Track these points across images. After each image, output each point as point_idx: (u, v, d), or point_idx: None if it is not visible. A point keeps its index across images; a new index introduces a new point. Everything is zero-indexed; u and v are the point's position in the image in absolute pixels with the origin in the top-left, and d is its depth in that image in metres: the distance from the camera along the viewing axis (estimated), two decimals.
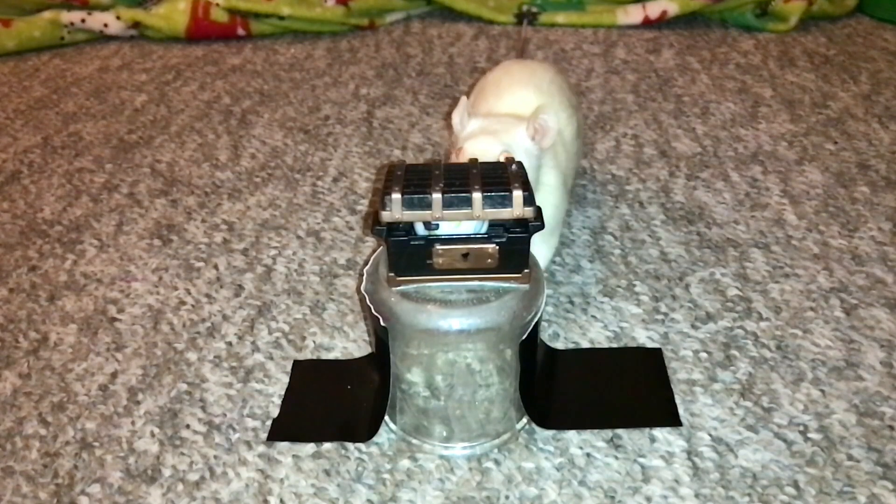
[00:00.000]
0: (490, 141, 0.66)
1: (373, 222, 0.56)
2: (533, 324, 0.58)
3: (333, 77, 1.29)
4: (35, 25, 1.45)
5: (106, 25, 1.47)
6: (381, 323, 0.57)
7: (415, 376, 0.59)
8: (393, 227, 0.56)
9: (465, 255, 0.56)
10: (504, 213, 0.55)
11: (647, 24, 1.44)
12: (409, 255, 0.56)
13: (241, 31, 1.46)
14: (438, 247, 0.56)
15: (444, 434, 0.61)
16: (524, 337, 0.58)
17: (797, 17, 1.39)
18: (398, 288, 0.57)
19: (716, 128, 1.08)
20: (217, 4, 1.44)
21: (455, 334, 0.56)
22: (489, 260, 0.56)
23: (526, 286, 0.57)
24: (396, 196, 0.54)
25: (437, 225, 0.56)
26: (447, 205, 0.55)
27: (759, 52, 1.33)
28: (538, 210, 0.56)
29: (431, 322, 0.56)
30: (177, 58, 1.41)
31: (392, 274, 0.57)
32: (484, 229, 0.57)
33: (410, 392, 0.60)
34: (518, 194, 0.54)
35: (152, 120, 1.17)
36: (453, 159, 0.68)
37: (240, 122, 1.15)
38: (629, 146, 1.04)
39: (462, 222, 0.56)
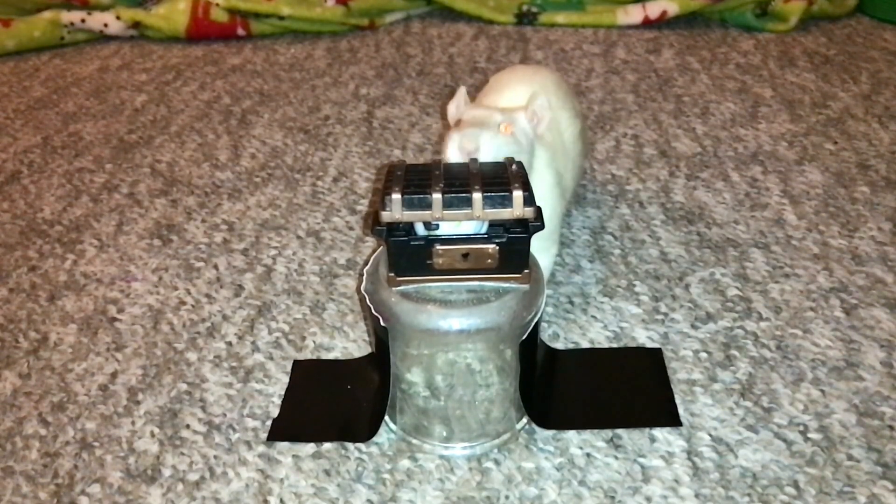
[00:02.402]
0: (489, 111, 0.66)
1: (373, 222, 0.56)
2: (533, 324, 0.58)
3: (333, 77, 1.29)
4: (35, 25, 1.45)
5: (106, 25, 1.47)
6: (381, 323, 0.57)
7: (415, 376, 0.59)
8: (393, 227, 0.56)
9: (465, 256, 0.56)
10: (504, 214, 0.55)
11: (647, 24, 1.44)
12: (409, 255, 0.56)
13: (241, 31, 1.46)
14: (438, 247, 0.56)
15: (444, 434, 0.61)
16: (524, 337, 0.58)
17: (797, 17, 1.39)
18: (398, 288, 0.57)
19: (716, 128, 1.08)
20: (217, 4, 1.44)
21: (455, 334, 0.56)
22: (489, 260, 0.56)
23: (526, 286, 0.57)
24: (396, 196, 0.54)
25: (438, 225, 0.56)
26: (447, 205, 0.55)
27: (759, 52, 1.33)
28: (538, 210, 0.56)
29: (431, 322, 0.56)
30: (177, 58, 1.41)
31: (392, 274, 0.57)
32: (484, 229, 0.57)
33: (410, 392, 0.60)
34: (518, 194, 0.54)
35: (152, 120, 1.17)
36: (452, 136, 0.64)
37: (240, 122, 1.15)
38: (629, 146, 1.04)
39: (462, 222, 0.56)
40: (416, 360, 0.59)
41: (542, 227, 0.56)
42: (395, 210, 0.55)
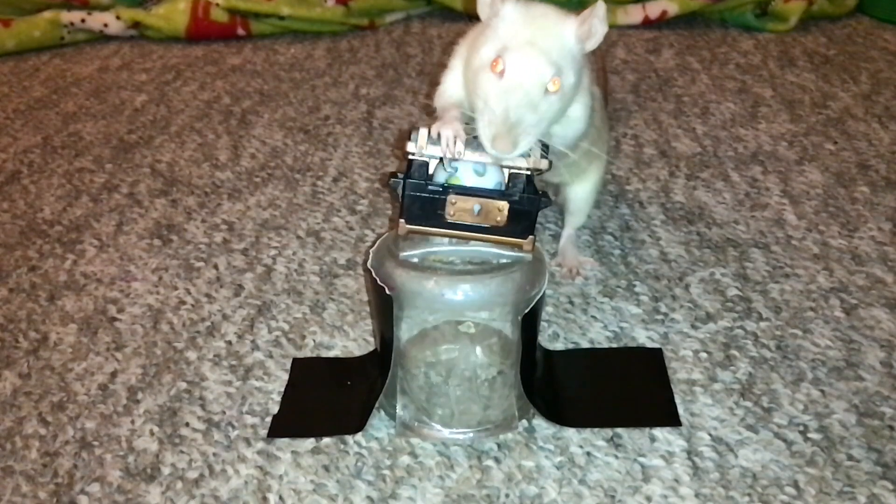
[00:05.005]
0: (539, 62, 0.57)
1: (389, 176, 0.58)
2: (536, 300, 0.58)
3: (333, 77, 1.29)
4: (35, 25, 1.45)
5: (106, 25, 1.47)
6: (387, 292, 0.58)
7: (417, 353, 0.59)
8: (409, 175, 0.58)
9: (476, 212, 0.57)
10: (520, 162, 0.57)
11: (647, 24, 1.44)
12: (422, 202, 0.58)
13: (241, 31, 1.46)
14: (452, 196, 0.57)
15: (446, 418, 0.61)
16: (526, 311, 0.58)
17: (797, 17, 1.39)
18: (404, 254, 0.58)
19: (716, 128, 1.08)
20: (217, 4, 1.44)
21: (460, 303, 0.57)
22: (498, 218, 0.58)
23: (530, 256, 0.59)
24: (423, 130, 0.57)
25: (456, 168, 0.58)
26: (468, 146, 0.57)
27: (759, 52, 1.33)
28: (546, 193, 0.58)
29: (437, 290, 0.57)
30: (177, 58, 1.41)
31: (403, 220, 0.58)
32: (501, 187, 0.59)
33: (412, 371, 0.60)
34: (536, 147, 0.58)
35: (152, 120, 1.17)
36: (483, 75, 0.58)
37: (240, 122, 1.15)
38: (629, 146, 1.04)
39: (482, 177, 0.58)
40: (420, 335, 0.59)
41: (550, 202, 0.58)
42: (421, 141, 0.57)
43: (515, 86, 0.56)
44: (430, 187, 0.58)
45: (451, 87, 0.66)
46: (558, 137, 0.64)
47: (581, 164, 0.75)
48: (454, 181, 0.58)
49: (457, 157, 0.57)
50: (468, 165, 0.58)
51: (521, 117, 0.56)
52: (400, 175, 0.58)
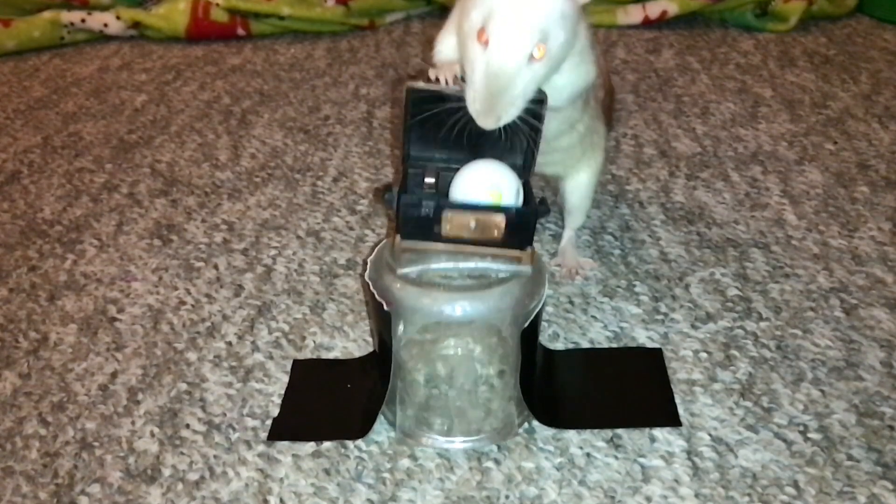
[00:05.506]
0: (521, 32, 0.56)
1: (382, 191, 0.57)
2: (535, 312, 0.58)
3: (333, 77, 1.29)
4: (35, 25, 1.45)
5: (106, 25, 1.47)
6: (385, 308, 0.57)
7: (416, 364, 0.59)
8: (403, 192, 0.58)
9: (473, 227, 0.57)
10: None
11: (647, 24, 1.44)
12: (417, 218, 0.57)
13: (241, 31, 1.46)
14: (447, 212, 0.57)
15: (445, 427, 0.61)
16: (526, 325, 0.58)
17: (797, 17, 1.39)
18: (403, 270, 0.58)
19: (716, 128, 1.08)
20: (217, 4, 1.44)
21: (458, 318, 0.56)
22: (496, 232, 0.57)
23: (529, 270, 0.58)
24: (421, 83, 0.59)
25: (459, 100, 0.57)
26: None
27: (759, 52, 1.33)
28: (544, 200, 0.58)
29: (435, 306, 0.56)
30: (177, 58, 1.41)
31: (399, 236, 0.58)
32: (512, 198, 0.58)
33: (411, 382, 0.60)
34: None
35: (152, 120, 1.17)
36: (470, 44, 0.58)
37: (240, 122, 1.15)
38: (629, 146, 1.04)
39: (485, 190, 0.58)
40: (418, 347, 0.59)
41: (548, 211, 0.58)
42: (421, 84, 0.58)
43: (498, 58, 0.56)
44: (424, 201, 0.57)
45: (446, 48, 0.67)
46: (552, 98, 0.62)
47: (575, 153, 0.74)
48: (496, 198, 0.57)
49: (456, 85, 0.58)
50: (513, 188, 0.58)
51: (504, 90, 0.56)
52: (394, 190, 0.57)
